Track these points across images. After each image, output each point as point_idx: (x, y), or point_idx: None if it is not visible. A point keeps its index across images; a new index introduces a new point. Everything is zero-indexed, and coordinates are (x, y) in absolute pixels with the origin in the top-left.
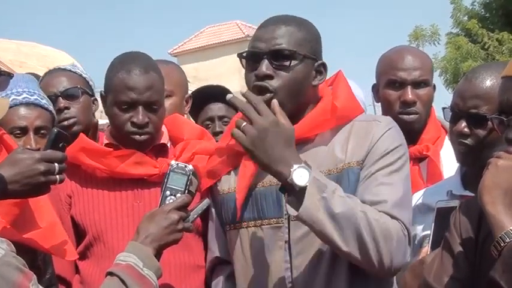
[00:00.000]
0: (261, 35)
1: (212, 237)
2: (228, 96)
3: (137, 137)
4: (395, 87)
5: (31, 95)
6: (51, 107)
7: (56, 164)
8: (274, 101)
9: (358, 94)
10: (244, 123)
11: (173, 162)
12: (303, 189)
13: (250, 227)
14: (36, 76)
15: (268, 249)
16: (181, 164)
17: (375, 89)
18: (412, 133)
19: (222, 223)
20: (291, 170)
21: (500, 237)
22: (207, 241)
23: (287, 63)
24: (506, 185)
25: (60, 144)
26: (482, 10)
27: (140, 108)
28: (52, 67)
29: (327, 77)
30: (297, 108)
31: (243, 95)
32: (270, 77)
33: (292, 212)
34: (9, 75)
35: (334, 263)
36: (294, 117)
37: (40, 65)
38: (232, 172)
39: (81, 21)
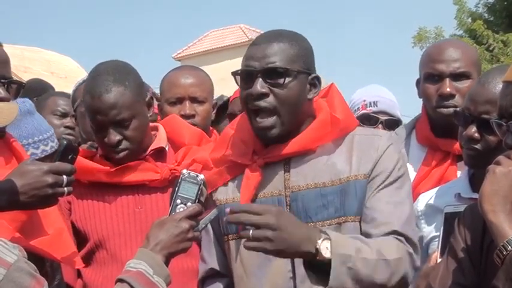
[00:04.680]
0: (253, 53)
1: (206, 248)
2: (227, 217)
3: (114, 155)
4: (434, 80)
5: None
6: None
7: (64, 176)
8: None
9: (392, 99)
10: (251, 231)
11: (185, 171)
12: (329, 261)
13: None
14: (42, 82)
15: (270, 259)
16: (193, 174)
17: (419, 84)
18: (452, 127)
19: (218, 233)
20: (317, 246)
21: (502, 245)
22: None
23: (281, 80)
24: (505, 192)
25: (69, 156)
26: (486, 13)
27: (110, 128)
28: (56, 72)
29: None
30: (296, 124)
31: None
32: (265, 95)
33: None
34: (21, 84)
35: None
36: (292, 132)
37: (44, 70)
38: (229, 182)
39: (85, 26)
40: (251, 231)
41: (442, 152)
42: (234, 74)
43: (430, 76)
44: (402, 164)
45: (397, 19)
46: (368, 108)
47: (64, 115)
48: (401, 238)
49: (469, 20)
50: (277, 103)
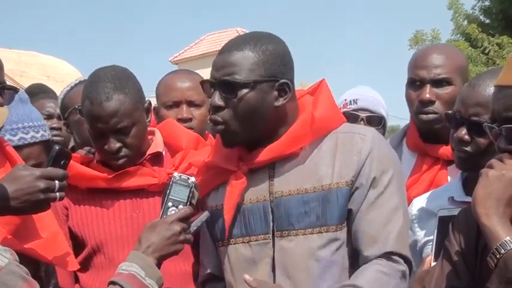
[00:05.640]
0: (215, 63)
1: (204, 253)
2: None
3: (114, 161)
4: (415, 86)
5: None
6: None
7: (56, 182)
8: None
9: (375, 97)
10: None
11: (176, 174)
12: None
13: (238, 243)
14: (43, 87)
15: (255, 266)
16: (184, 176)
17: None
18: (436, 133)
19: (211, 239)
20: None
21: (495, 248)
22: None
23: (235, 93)
24: (498, 195)
25: (62, 162)
26: (482, 16)
27: (110, 136)
28: (52, 76)
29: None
30: (264, 132)
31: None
32: (221, 109)
33: None
34: (15, 90)
35: (320, 279)
36: (266, 139)
37: (40, 74)
38: (219, 188)
39: (81, 30)
40: None
41: (431, 157)
42: (202, 83)
43: (412, 82)
44: (390, 166)
45: (395, 21)
46: (348, 107)
47: (49, 116)
48: (395, 257)
49: (465, 22)
50: (230, 116)
